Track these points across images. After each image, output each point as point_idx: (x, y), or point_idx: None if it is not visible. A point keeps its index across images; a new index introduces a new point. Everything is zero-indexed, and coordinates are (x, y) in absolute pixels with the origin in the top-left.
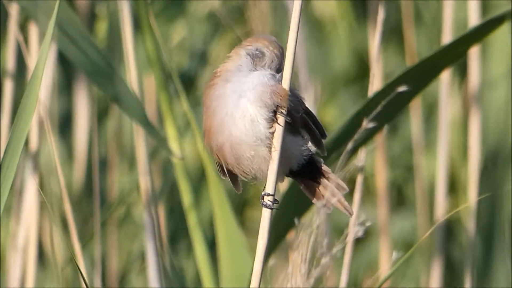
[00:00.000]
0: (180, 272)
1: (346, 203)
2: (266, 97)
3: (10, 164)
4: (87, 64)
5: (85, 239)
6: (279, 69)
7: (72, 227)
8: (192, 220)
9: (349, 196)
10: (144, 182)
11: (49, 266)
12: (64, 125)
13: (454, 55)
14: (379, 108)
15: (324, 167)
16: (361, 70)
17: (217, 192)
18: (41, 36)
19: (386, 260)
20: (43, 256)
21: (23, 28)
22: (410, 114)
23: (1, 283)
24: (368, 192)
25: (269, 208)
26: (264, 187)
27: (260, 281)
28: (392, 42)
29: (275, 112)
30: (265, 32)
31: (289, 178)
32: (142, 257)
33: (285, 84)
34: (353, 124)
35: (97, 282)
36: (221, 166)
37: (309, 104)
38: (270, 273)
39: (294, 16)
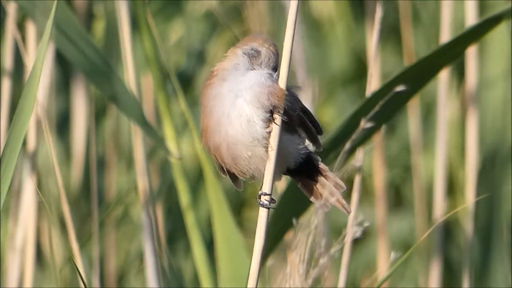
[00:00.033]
0: (178, 272)
1: (344, 202)
2: (263, 98)
3: (8, 164)
4: (85, 64)
5: (83, 239)
6: (276, 67)
7: (70, 227)
8: (190, 220)
9: (347, 196)
10: (142, 182)
11: (47, 267)
12: (62, 125)
13: (451, 55)
14: (377, 108)
15: (322, 165)
16: (359, 70)
17: (215, 192)
18: (39, 35)
19: (384, 261)
20: (41, 257)
21: (20, 27)
22: (408, 114)
23: None
24: (366, 192)
25: (266, 208)
26: (261, 186)
27: (257, 281)
28: (390, 42)
29: (271, 112)
30: (262, 32)
31: (286, 178)
32: (140, 257)
33: (282, 83)
34: (351, 124)
35: (95, 282)
36: (221, 165)
37: (307, 104)
38: (268, 273)
39: (291, 14)
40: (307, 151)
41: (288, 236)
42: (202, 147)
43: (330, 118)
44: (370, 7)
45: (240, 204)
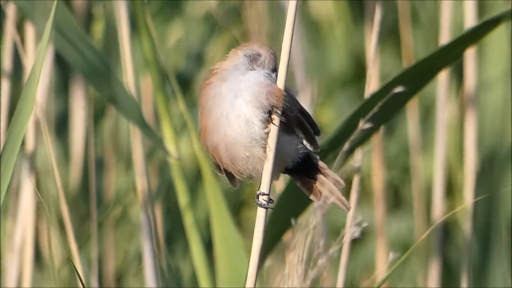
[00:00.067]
0: (177, 273)
1: (343, 198)
2: (262, 98)
3: (7, 164)
4: (84, 65)
5: (82, 240)
6: (275, 69)
7: (68, 228)
8: (188, 220)
9: (346, 197)
10: (141, 182)
11: (46, 267)
12: (61, 126)
13: (450, 56)
14: (375, 109)
15: (320, 163)
16: (358, 71)
17: (213, 192)
18: (37, 36)
19: (382, 261)
20: (40, 257)
21: (19, 28)
22: (407, 115)
23: None
24: (365, 193)
25: (264, 208)
26: (259, 186)
27: (255, 281)
28: (389, 43)
29: (270, 113)
30: (261, 32)
31: (285, 178)
32: (139, 257)
33: (280, 84)
34: (350, 125)
35: (94, 282)
36: (218, 164)
37: (306, 105)
38: (267, 274)
39: (289, 15)
40: (305, 150)
41: (287, 236)
42: (200, 146)
43: (329, 119)
44: (369, 9)
45: (239, 205)
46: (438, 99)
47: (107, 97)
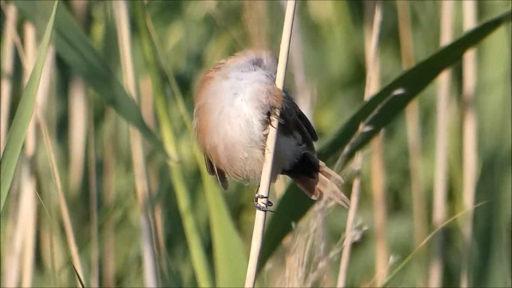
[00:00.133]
0: (177, 276)
1: (342, 195)
2: (262, 97)
3: (8, 168)
4: (84, 67)
5: (82, 243)
6: (276, 72)
7: (69, 231)
8: (188, 223)
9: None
10: (141, 185)
11: (46, 270)
12: (61, 128)
13: (450, 59)
14: (375, 111)
15: (318, 162)
16: (357, 73)
17: (213, 195)
18: (38, 37)
19: (383, 265)
20: (40, 260)
21: (19, 30)
22: (407, 118)
23: None
24: (365, 196)
25: (263, 210)
26: (258, 189)
27: (254, 284)
28: (389, 45)
29: (269, 114)
30: (261, 34)
31: (285, 182)
32: (139, 260)
33: (279, 84)
34: (350, 127)
35: (94, 285)
36: (210, 164)
37: (306, 107)
38: (267, 277)
39: (288, 16)
40: (303, 151)
41: (287, 239)
42: (197, 145)
43: (329, 121)
44: (369, 10)
45: (239, 208)
46: (439, 101)
47: (107, 99)
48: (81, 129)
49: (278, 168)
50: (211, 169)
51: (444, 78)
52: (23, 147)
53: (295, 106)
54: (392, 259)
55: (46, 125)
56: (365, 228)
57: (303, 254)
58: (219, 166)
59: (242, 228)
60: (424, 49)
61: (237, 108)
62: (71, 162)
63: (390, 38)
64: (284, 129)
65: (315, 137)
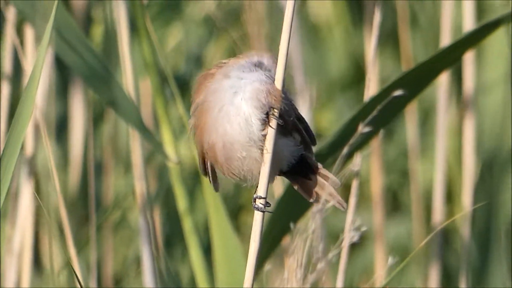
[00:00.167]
0: (176, 277)
1: (339, 197)
2: (261, 96)
3: (7, 168)
4: (83, 68)
5: (81, 243)
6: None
7: (67, 231)
8: (187, 224)
9: (345, 201)
10: (140, 186)
11: (45, 271)
12: (60, 129)
13: (450, 60)
14: (375, 112)
15: (315, 163)
16: (357, 75)
17: (212, 196)
18: (37, 38)
19: (381, 265)
20: (39, 261)
21: (18, 31)
22: (406, 119)
23: None
24: (364, 197)
25: (261, 211)
26: (256, 190)
27: (252, 284)
28: (388, 46)
29: (267, 114)
30: (261, 35)
31: (283, 183)
32: (138, 261)
33: (278, 84)
34: (349, 128)
35: (93, 286)
36: (204, 164)
37: (305, 108)
38: (266, 278)
39: (287, 17)
40: (300, 152)
41: (286, 240)
42: (194, 143)
43: (328, 122)
44: (369, 11)
45: (237, 209)
46: (439, 102)
47: (107, 100)
48: (80, 130)
49: (276, 169)
50: (204, 169)
51: (443, 79)
52: (22, 147)
53: (294, 108)
54: (390, 260)
55: (45, 126)
56: (363, 229)
57: (302, 255)
58: (216, 165)
59: (240, 229)
60: (424, 50)
61: (236, 106)
62: (70, 163)
63: (389, 39)
64: (282, 130)
65: (313, 141)
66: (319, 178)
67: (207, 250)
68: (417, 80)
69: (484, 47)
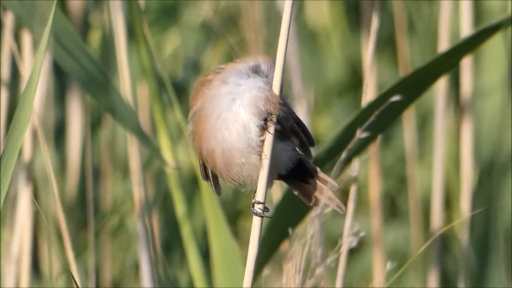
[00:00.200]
0: (174, 282)
1: (337, 200)
2: (260, 103)
3: (5, 174)
4: (81, 74)
5: (79, 249)
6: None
7: (65, 237)
8: (185, 229)
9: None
10: (138, 191)
11: (43, 276)
12: (58, 135)
13: (447, 65)
14: (372, 118)
15: (314, 168)
16: (354, 80)
17: (210, 202)
18: (34, 44)
19: (379, 271)
20: (37, 266)
21: (16, 36)
22: (404, 124)
23: None
24: (362, 203)
25: (260, 216)
26: (254, 195)
27: None
28: (385, 53)
29: (265, 120)
30: (258, 41)
31: (282, 188)
32: (136, 266)
33: (276, 90)
34: (347, 134)
35: None
36: (205, 169)
37: (303, 114)
38: (264, 283)
39: (284, 21)
40: (299, 156)
41: (284, 246)
42: (193, 149)
43: (326, 128)
44: (366, 18)
45: (236, 214)
46: (437, 108)
47: (104, 105)
48: (78, 136)
49: (274, 174)
50: (205, 174)
51: (441, 85)
52: (20, 153)
53: (292, 113)
54: (389, 265)
55: (43, 131)
56: (362, 234)
57: (300, 260)
58: (215, 171)
59: (239, 234)
60: (421, 56)
61: (235, 113)
62: (68, 168)
63: (387, 44)
64: (280, 135)
65: (312, 143)
66: (318, 182)
67: (205, 255)
68: (414, 86)
69: (481, 52)
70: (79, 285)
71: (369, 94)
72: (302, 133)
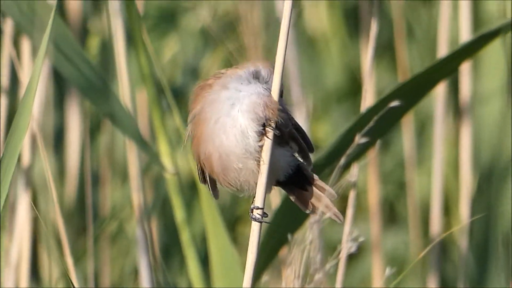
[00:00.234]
0: (173, 287)
1: (335, 209)
2: (259, 109)
3: (4, 179)
4: (80, 80)
5: (78, 254)
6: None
7: (64, 242)
8: (184, 235)
9: (342, 212)
10: (137, 197)
11: (42, 282)
12: (57, 141)
13: (446, 71)
14: (371, 123)
15: (312, 175)
16: (353, 86)
17: (209, 207)
18: (34, 50)
19: (379, 276)
20: (36, 272)
21: (15, 42)
22: (403, 130)
23: None
24: (361, 208)
25: (259, 222)
26: (253, 200)
27: None
28: (384, 59)
29: (264, 125)
30: (257, 47)
31: (281, 194)
32: (135, 272)
33: (275, 95)
34: (346, 139)
35: None
36: (203, 173)
37: (301, 120)
38: None
39: (283, 26)
40: (297, 162)
41: (283, 251)
42: (192, 153)
43: (325, 133)
44: (365, 24)
45: (235, 220)
46: (436, 113)
47: (103, 111)
48: (77, 141)
49: (273, 179)
50: (203, 178)
51: (440, 90)
52: (19, 159)
53: (291, 118)
54: (388, 271)
55: (42, 137)
56: (361, 239)
57: (299, 266)
58: (212, 175)
59: (238, 240)
60: (420, 61)
61: (233, 118)
62: (67, 174)
63: (386, 50)
64: (279, 140)
65: (311, 149)
66: (315, 190)
67: (204, 261)
68: (413, 91)
69: (481, 58)
70: None
71: (368, 100)
72: (301, 138)
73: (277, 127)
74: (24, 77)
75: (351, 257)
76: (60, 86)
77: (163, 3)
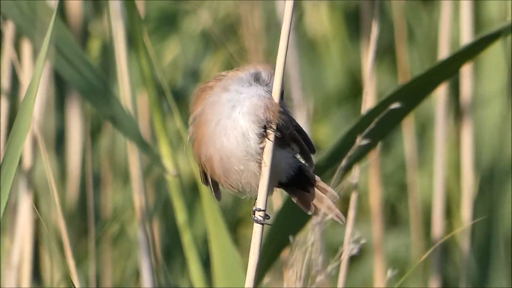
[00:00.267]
0: None
1: (337, 211)
2: (260, 111)
3: (6, 181)
4: (81, 82)
5: (80, 256)
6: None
7: (66, 245)
8: (186, 237)
9: (343, 214)
10: (138, 199)
11: (44, 284)
12: (58, 143)
13: (447, 73)
14: (372, 125)
15: (314, 176)
16: (354, 89)
17: (211, 209)
18: (34, 52)
19: (380, 278)
20: (38, 274)
21: (16, 45)
22: (403, 132)
23: None
24: (362, 210)
25: (260, 224)
26: (255, 202)
27: None
28: (385, 61)
29: (265, 127)
30: (258, 50)
31: (282, 195)
32: (137, 274)
33: (275, 97)
34: (347, 141)
35: None
36: (205, 174)
37: (302, 122)
38: None
39: (284, 28)
40: (299, 163)
41: (285, 253)
42: (193, 155)
43: (326, 136)
44: (365, 26)
45: (236, 222)
46: (437, 115)
47: (104, 113)
48: (78, 143)
49: (274, 181)
50: (205, 180)
51: (441, 92)
52: (20, 161)
53: (292, 120)
54: (390, 273)
55: (43, 139)
56: (362, 241)
57: (301, 267)
58: (214, 177)
59: (239, 242)
60: (420, 64)
61: (234, 120)
62: (68, 176)
63: (386, 53)
64: (280, 142)
65: (313, 150)
66: (317, 191)
67: (206, 263)
68: (414, 93)
69: (481, 60)
70: None
71: (368, 102)
72: (302, 140)
73: (278, 129)
74: (25, 79)
75: (353, 259)
76: (61, 88)
77: (164, 5)
